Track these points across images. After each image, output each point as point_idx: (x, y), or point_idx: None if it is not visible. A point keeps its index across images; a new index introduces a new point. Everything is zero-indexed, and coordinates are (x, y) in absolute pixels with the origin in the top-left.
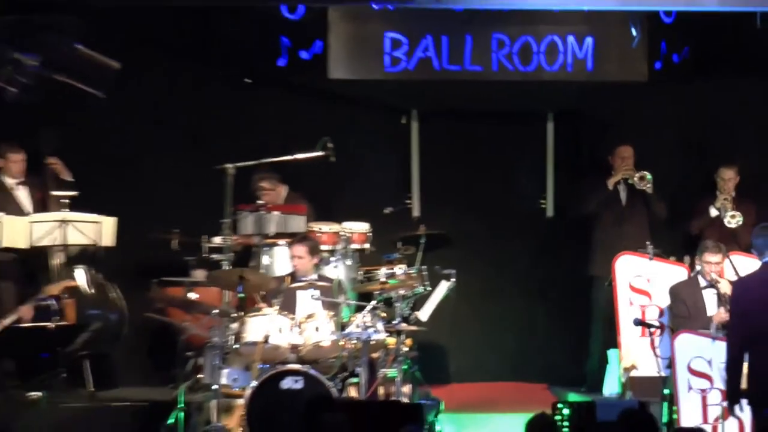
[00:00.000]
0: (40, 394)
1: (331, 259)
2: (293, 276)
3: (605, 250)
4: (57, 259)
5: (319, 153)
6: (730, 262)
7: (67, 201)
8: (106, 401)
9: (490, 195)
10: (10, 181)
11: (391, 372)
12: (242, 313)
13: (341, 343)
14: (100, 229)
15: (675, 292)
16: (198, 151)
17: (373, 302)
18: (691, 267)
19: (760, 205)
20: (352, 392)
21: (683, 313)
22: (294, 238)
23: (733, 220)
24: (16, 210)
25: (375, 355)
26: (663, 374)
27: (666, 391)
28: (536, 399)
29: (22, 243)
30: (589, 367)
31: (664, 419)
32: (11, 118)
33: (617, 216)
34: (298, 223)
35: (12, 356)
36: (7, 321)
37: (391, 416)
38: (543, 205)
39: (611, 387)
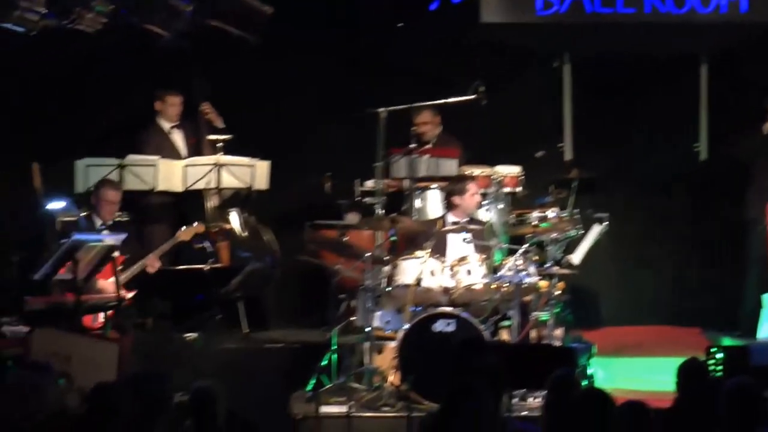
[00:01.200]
0: (195, 335)
1: (484, 202)
2: (445, 219)
3: (760, 194)
4: (211, 203)
5: (471, 97)
6: None
7: (221, 145)
8: (260, 343)
9: (643, 138)
10: (166, 125)
11: (543, 315)
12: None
13: (493, 286)
14: (253, 173)
15: None
16: (350, 95)
17: (526, 245)
18: None
19: None
20: (504, 335)
21: None
22: (449, 181)
23: None
24: (172, 153)
25: (527, 298)
26: None
27: None
28: (689, 343)
29: (177, 186)
30: (744, 311)
31: None
32: (165, 64)
33: None
34: (449, 166)
35: (168, 299)
36: (129, 273)
37: (543, 360)
38: (697, 148)
39: (766, 331)
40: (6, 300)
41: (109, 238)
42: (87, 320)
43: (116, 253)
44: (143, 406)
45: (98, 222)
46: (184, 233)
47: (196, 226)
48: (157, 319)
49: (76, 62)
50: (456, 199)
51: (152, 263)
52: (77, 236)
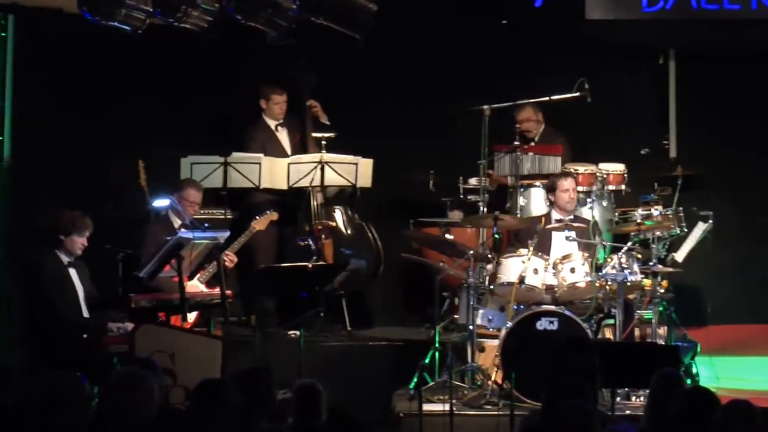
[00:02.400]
0: (299, 332)
1: (587, 200)
2: (549, 217)
3: None
4: (316, 200)
5: (576, 94)
6: None
7: (325, 142)
8: (363, 340)
9: (749, 135)
10: (271, 123)
11: (647, 314)
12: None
13: (597, 284)
14: (357, 170)
15: None
16: (454, 93)
17: (629, 243)
18: None
19: None
20: (608, 334)
21: None
22: (546, 178)
23: None
24: (277, 151)
25: (631, 296)
26: None
27: None
28: None
29: (281, 184)
30: None
31: None
32: (271, 61)
33: None
34: (553, 163)
35: (272, 296)
36: (208, 270)
37: (647, 358)
38: None
39: None
40: (112, 297)
41: (215, 235)
42: (176, 319)
43: None
44: (247, 403)
45: (177, 222)
46: (259, 223)
47: (270, 214)
48: (261, 317)
49: (181, 60)
50: (552, 196)
51: (230, 258)
52: (182, 234)
